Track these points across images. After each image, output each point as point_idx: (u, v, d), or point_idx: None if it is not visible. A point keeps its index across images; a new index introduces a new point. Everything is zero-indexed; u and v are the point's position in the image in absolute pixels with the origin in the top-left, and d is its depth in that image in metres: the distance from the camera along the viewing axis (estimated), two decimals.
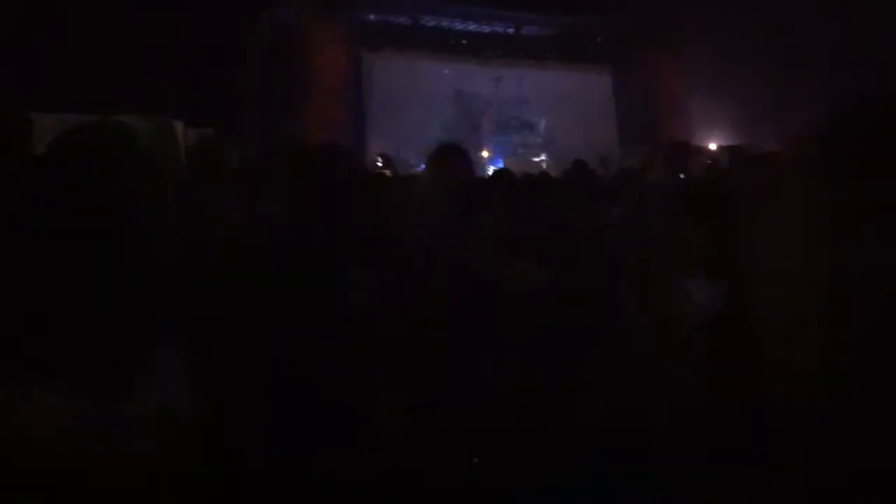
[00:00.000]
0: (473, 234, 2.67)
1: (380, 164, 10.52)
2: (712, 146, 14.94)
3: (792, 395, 0.84)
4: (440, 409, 1.52)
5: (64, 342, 1.03)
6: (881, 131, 0.89)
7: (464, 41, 17.11)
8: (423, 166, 2.89)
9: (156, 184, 1.92)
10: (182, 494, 1.09)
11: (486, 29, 17.13)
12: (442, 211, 2.43)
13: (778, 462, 0.82)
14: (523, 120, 17.63)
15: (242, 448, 1.19)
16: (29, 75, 8.34)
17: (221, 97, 10.28)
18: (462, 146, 2.85)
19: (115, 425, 1.04)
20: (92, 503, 1.01)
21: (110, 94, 7.03)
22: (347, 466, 1.36)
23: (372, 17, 15.88)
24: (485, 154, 16.96)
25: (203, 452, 1.13)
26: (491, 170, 12.18)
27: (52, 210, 1.19)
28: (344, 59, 14.88)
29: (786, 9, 13.03)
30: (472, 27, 17.00)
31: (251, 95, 11.06)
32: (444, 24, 16.73)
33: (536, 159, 17.14)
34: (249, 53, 11.82)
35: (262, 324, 1.43)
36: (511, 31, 17.29)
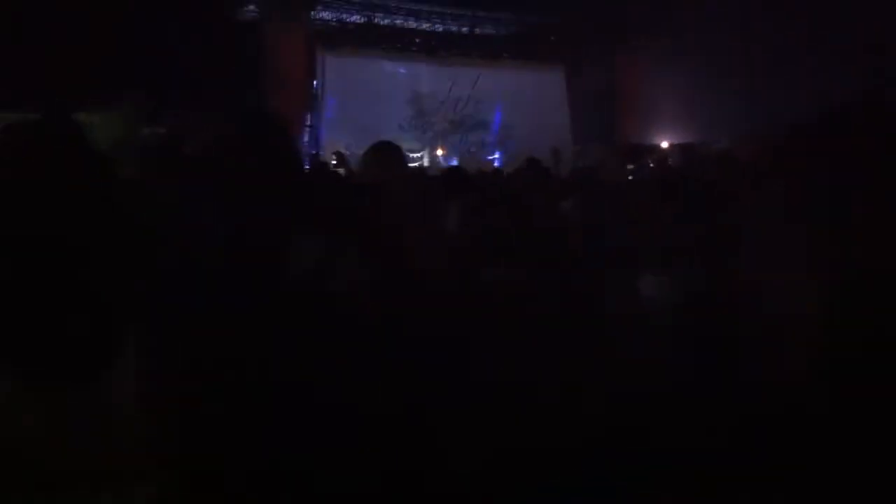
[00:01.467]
0: (421, 232, 2.70)
1: (334, 163, 10.48)
2: (664, 144, 15.17)
3: (761, 385, 0.87)
4: (409, 409, 1.54)
5: (26, 337, 1.03)
6: (866, 131, 0.93)
7: (418, 40, 17.12)
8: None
9: (104, 180, 1.90)
10: (150, 485, 1.09)
11: (441, 28, 17.16)
12: (378, 207, 2.45)
13: (763, 457, 0.84)
14: (478, 118, 17.69)
15: (214, 440, 1.20)
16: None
17: (178, 94, 10.15)
18: (395, 145, 2.91)
19: (80, 417, 1.04)
20: (61, 493, 1.01)
21: (66, 91, 6.91)
22: (331, 464, 1.37)
23: (328, 16, 15.80)
24: (439, 152, 16.99)
25: (169, 444, 1.13)
26: (444, 167, 12.22)
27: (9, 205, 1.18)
28: (301, 58, 14.80)
29: (741, 8, 13.23)
30: (426, 26, 17.02)
31: (208, 93, 10.95)
32: (399, 23, 16.72)
33: (490, 157, 17.22)
34: (207, 51, 11.69)
35: (217, 314, 1.43)
36: (465, 30, 17.34)
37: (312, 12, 15.24)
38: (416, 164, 15.44)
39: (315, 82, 15.63)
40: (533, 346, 1.92)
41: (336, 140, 14.30)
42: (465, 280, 2.39)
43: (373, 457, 1.38)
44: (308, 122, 14.80)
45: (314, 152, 14.43)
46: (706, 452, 0.86)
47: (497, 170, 10.65)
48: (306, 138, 14.53)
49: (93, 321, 1.16)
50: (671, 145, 14.65)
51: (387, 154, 2.85)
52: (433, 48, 17.28)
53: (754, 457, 0.84)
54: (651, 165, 8.10)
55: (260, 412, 1.28)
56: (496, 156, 17.34)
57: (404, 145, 13.94)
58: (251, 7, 14.09)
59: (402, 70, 17.08)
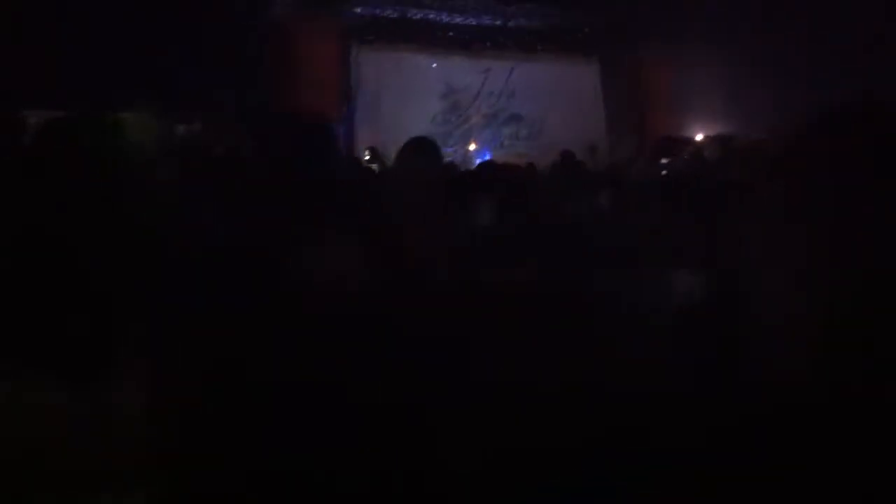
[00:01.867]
0: (453, 228, 2.69)
1: (367, 158, 10.54)
2: (699, 136, 15.00)
3: (777, 388, 0.85)
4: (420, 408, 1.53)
5: (45, 334, 1.03)
6: (871, 130, 0.90)
7: (451, 34, 17.10)
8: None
9: (137, 178, 1.92)
10: (155, 487, 1.10)
11: (474, 21, 17.11)
12: (414, 204, 2.44)
13: (770, 460, 0.83)
14: (511, 112, 17.63)
15: (221, 442, 1.20)
16: (15, 73, 8.28)
17: (209, 92, 10.25)
18: (431, 141, 2.88)
19: (92, 417, 1.05)
20: (69, 493, 1.01)
21: (94, 91, 7.00)
22: (337, 464, 1.36)
23: (360, 10, 15.84)
24: (472, 147, 16.96)
25: (172, 445, 1.14)
26: (477, 162, 12.21)
27: (37, 203, 1.19)
28: (333, 53, 14.86)
29: (774, 2, 13.07)
30: (459, 20, 16.98)
31: (240, 89, 11.03)
32: (432, 17, 16.70)
33: (524, 151, 17.15)
34: (239, 48, 11.78)
35: (238, 315, 1.43)
36: (499, 23, 17.28)
37: (345, 6, 15.29)
38: (449, 159, 15.43)
39: (348, 77, 15.67)
40: (558, 343, 1.91)
41: (369, 135, 14.35)
42: (491, 278, 2.38)
43: (378, 457, 1.37)
44: (341, 117, 14.85)
45: (347, 147, 14.48)
46: (709, 454, 0.85)
47: (531, 163, 10.62)
48: (340, 133, 14.58)
49: (114, 321, 1.16)
50: (706, 137, 14.48)
51: (423, 150, 2.84)
52: (466, 42, 17.23)
53: (756, 458, 0.83)
54: (686, 158, 8.01)
55: (271, 413, 1.29)
56: (530, 149, 17.26)
57: (437, 140, 13.98)
58: (284, 1, 14.15)
59: (435, 64, 17.06)
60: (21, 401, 1.03)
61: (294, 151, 1.79)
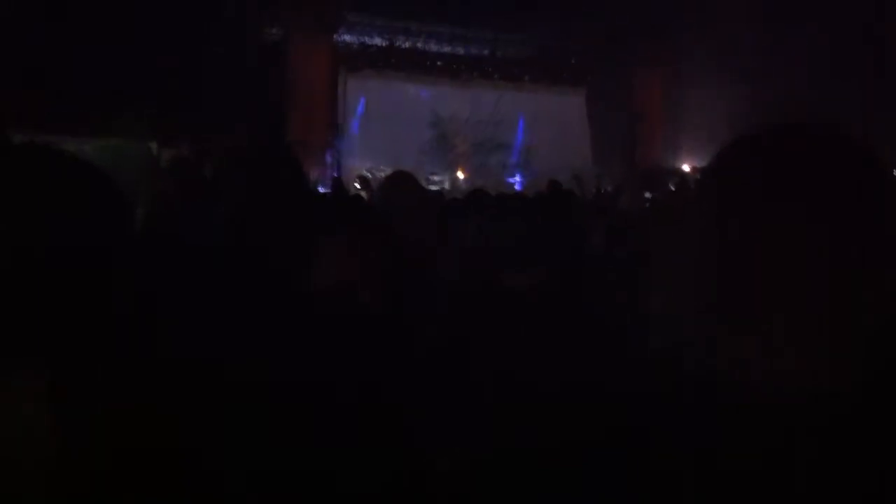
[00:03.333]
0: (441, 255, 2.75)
1: (357, 186, 10.61)
2: (686, 167, 15.15)
3: (765, 398, 0.88)
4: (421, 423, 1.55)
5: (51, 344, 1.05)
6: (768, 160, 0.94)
7: (440, 63, 17.26)
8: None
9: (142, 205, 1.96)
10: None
11: (462, 51, 17.29)
12: (398, 231, 2.51)
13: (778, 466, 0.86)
14: (499, 141, 17.76)
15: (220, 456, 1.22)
16: (11, 100, 8.29)
17: (201, 117, 10.30)
18: (410, 173, 3.05)
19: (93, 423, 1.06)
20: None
21: (88, 118, 7.04)
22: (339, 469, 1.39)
23: (351, 39, 15.98)
24: (460, 175, 17.05)
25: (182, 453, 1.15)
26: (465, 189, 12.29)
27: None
28: (324, 81, 14.97)
29: (759, 31, 13.26)
30: (447, 49, 17.16)
31: (232, 116, 11.08)
32: (420, 46, 16.87)
33: (511, 179, 17.27)
34: (231, 74, 11.85)
35: (232, 331, 1.46)
36: (486, 53, 17.47)
37: (335, 35, 15.41)
38: (437, 187, 15.52)
39: (337, 105, 15.78)
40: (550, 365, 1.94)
41: (358, 162, 14.44)
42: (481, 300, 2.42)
43: (384, 460, 1.40)
44: (331, 145, 14.93)
45: (336, 175, 14.56)
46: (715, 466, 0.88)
47: (518, 192, 10.70)
48: (329, 160, 14.65)
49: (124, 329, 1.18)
50: (693, 168, 14.63)
51: (402, 183, 2.95)
52: (455, 71, 17.40)
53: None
54: (672, 189, 8.11)
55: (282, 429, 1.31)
56: (517, 177, 17.38)
57: (426, 168, 14.08)
58: (275, 30, 14.27)
59: (423, 92, 17.20)
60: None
61: (252, 181, 1.83)
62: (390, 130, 15.80)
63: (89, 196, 1.25)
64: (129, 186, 2.29)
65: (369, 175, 10.75)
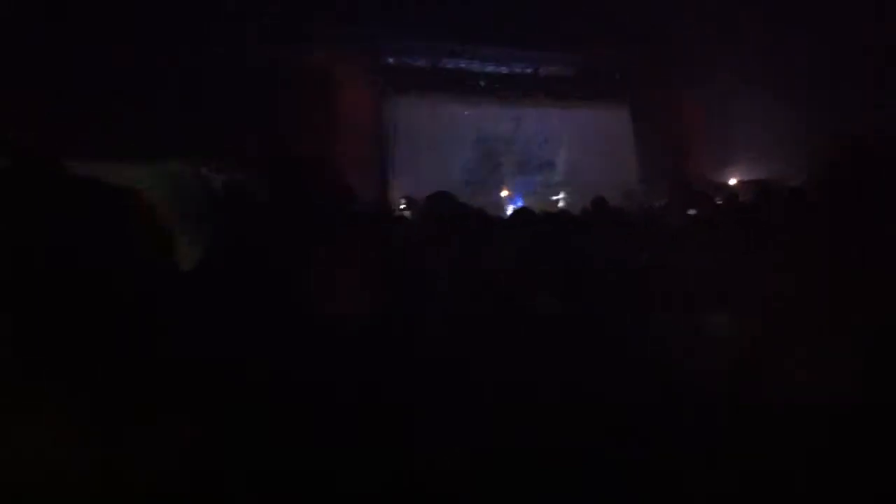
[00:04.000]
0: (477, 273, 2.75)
1: (402, 207, 10.67)
2: (732, 181, 14.95)
3: (809, 427, 0.87)
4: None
5: (80, 367, 1.07)
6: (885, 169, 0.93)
7: (482, 83, 17.30)
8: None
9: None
10: None
11: (505, 70, 17.33)
12: (437, 250, 2.52)
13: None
14: (543, 159, 17.73)
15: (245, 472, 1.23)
16: (52, 122, 8.48)
17: (247, 141, 10.44)
18: (451, 193, 3.09)
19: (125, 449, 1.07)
20: None
21: (132, 140, 7.18)
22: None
23: (394, 60, 16.11)
24: (504, 193, 17.05)
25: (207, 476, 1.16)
26: (510, 209, 12.28)
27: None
28: (369, 103, 15.12)
29: (806, 42, 13.08)
30: (490, 69, 17.20)
31: (277, 139, 11.23)
32: (464, 65, 16.94)
33: (555, 198, 17.21)
34: (277, 98, 12.02)
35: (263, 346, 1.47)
36: (530, 71, 17.47)
37: (379, 57, 15.56)
38: (481, 205, 15.50)
39: (382, 126, 15.90)
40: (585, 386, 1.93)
41: (403, 183, 14.51)
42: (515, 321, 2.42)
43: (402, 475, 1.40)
44: (376, 166, 15.03)
45: (382, 195, 14.64)
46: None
47: (563, 210, 10.65)
48: (375, 182, 14.76)
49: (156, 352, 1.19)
50: (741, 182, 14.43)
51: (443, 203, 2.98)
52: (498, 90, 17.43)
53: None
54: (719, 203, 7.99)
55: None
56: (562, 195, 17.32)
57: (470, 187, 14.12)
58: (320, 52, 14.45)
59: (467, 112, 17.24)
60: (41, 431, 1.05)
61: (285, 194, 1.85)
62: (435, 150, 15.88)
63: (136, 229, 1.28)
64: (191, 217, 2.33)
65: (414, 196, 10.79)
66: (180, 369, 1.20)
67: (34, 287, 1.09)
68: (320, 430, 1.35)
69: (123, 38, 10.47)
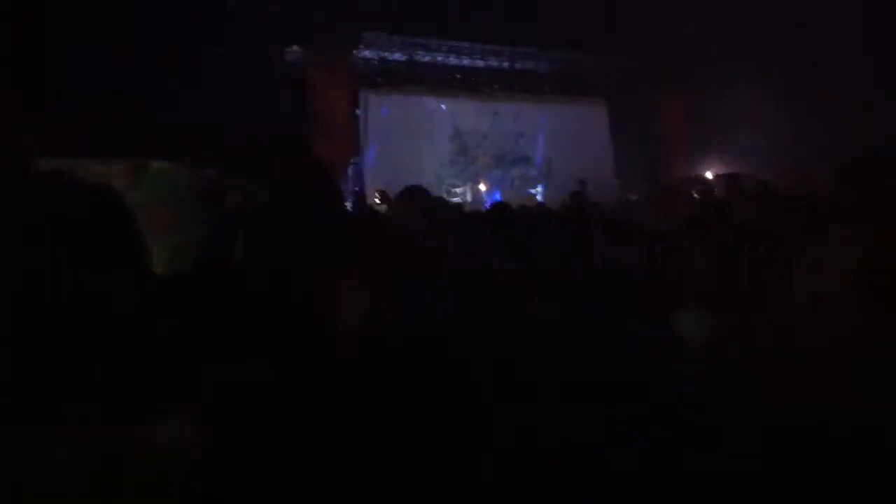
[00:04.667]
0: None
1: (378, 201, 10.65)
2: (708, 175, 15.06)
3: (797, 420, 0.87)
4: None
5: (83, 371, 1.06)
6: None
7: (459, 77, 17.29)
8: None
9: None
10: None
11: (482, 64, 17.32)
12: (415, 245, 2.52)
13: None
14: (520, 153, 17.76)
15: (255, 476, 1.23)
16: (37, 121, 8.39)
17: (223, 137, 10.38)
18: (423, 188, 3.07)
19: (128, 455, 1.07)
20: None
21: (112, 139, 7.12)
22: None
23: (370, 55, 16.06)
24: (482, 187, 17.06)
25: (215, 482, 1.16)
26: (488, 203, 12.30)
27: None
28: (344, 97, 15.07)
29: (787, 43, 13.19)
30: (467, 63, 17.19)
31: (254, 135, 11.17)
32: (440, 59, 16.91)
33: (533, 191, 17.27)
34: (252, 94, 11.96)
35: (268, 352, 1.47)
36: (506, 65, 17.48)
37: (355, 51, 15.51)
38: (458, 200, 15.55)
39: (357, 120, 15.86)
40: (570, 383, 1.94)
41: (379, 177, 14.48)
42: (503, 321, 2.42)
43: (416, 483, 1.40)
44: (351, 161, 15.00)
45: (358, 190, 14.61)
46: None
47: (541, 204, 10.69)
48: (350, 176, 14.73)
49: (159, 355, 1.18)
50: (716, 176, 14.54)
51: (415, 199, 2.96)
52: (474, 84, 17.42)
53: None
54: (696, 196, 8.05)
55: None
56: (539, 189, 17.38)
57: (447, 181, 14.13)
58: (294, 48, 14.38)
59: (443, 106, 17.22)
60: (46, 438, 1.04)
61: (298, 199, 1.84)
62: (411, 144, 15.87)
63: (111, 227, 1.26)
64: (178, 212, 2.31)
65: (388, 190, 10.77)
66: (169, 371, 1.19)
67: (14, 290, 1.08)
68: (313, 430, 1.35)
69: (109, 37, 10.39)
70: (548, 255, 3.33)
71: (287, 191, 1.91)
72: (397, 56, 16.45)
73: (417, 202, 2.94)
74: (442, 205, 4.74)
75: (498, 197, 15.47)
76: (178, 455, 1.10)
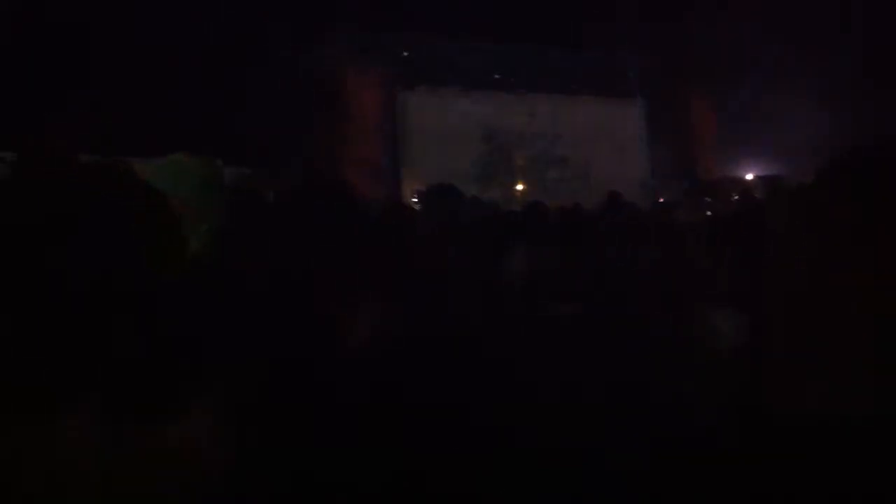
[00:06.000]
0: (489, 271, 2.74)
1: (415, 201, 10.67)
2: (748, 176, 14.88)
3: (819, 423, 0.86)
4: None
5: (94, 368, 1.06)
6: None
7: (496, 76, 17.26)
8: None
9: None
10: None
11: (517, 64, 17.26)
12: (439, 247, 2.51)
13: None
14: (556, 154, 17.68)
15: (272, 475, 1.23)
16: (77, 119, 8.52)
17: (260, 137, 10.48)
18: (452, 186, 3.03)
19: (141, 454, 1.07)
20: None
21: (148, 135, 7.21)
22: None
23: (406, 55, 16.09)
24: (519, 187, 17.02)
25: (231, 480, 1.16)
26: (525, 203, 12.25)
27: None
28: (379, 99, 15.12)
29: (823, 39, 12.98)
30: (503, 63, 17.15)
31: (290, 135, 11.25)
32: (475, 60, 16.89)
33: (569, 192, 17.17)
34: (289, 94, 12.04)
35: (292, 357, 1.47)
36: (542, 65, 17.41)
37: (389, 52, 15.55)
38: (493, 201, 15.52)
39: (393, 121, 15.90)
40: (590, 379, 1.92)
41: (416, 177, 14.50)
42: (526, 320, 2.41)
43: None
44: (388, 162, 15.05)
45: (394, 190, 14.65)
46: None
47: (577, 204, 10.62)
48: (386, 177, 14.77)
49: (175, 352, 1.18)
50: (756, 177, 14.37)
51: (445, 198, 2.94)
52: (510, 84, 17.38)
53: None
54: (735, 198, 7.96)
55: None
56: (576, 190, 17.27)
57: (481, 182, 14.08)
58: (329, 50, 14.46)
59: (479, 107, 17.20)
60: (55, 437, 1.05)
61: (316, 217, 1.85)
62: (446, 145, 15.86)
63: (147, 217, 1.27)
64: (191, 201, 2.33)
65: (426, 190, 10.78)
66: (188, 369, 1.19)
67: (41, 284, 1.09)
68: (325, 430, 1.35)
69: (132, 35, 10.54)
70: (580, 255, 3.31)
71: (305, 206, 1.92)
72: (434, 56, 16.46)
73: (447, 201, 2.93)
74: (475, 204, 4.73)
75: (533, 198, 15.43)
76: (188, 454, 1.11)
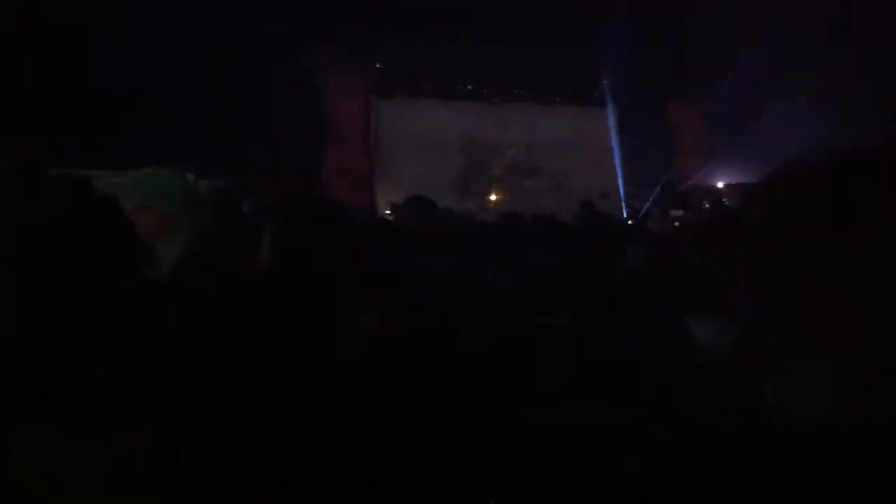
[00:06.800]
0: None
1: (388, 213, 10.65)
2: (719, 184, 15.01)
3: (801, 430, 0.87)
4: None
5: (76, 378, 1.07)
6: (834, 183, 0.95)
7: (471, 86, 17.28)
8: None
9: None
10: None
11: (494, 74, 17.29)
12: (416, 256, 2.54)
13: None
14: (532, 164, 17.73)
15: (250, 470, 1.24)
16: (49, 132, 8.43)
17: (237, 147, 10.44)
18: (426, 197, 3.06)
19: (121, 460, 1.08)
20: None
21: (123, 148, 7.17)
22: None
23: (382, 63, 16.08)
24: (493, 197, 17.05)
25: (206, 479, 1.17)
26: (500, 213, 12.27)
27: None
28: (357, 108, 15.10)
29: (802, 47, 13.09)
30: (479, 72, 17.17)
31: (267, 145, 11.21)
32: (452, 70, 16.91)
33: (544, 202, 17.21)
34: (265, 104, 12.00)
35: (270, 367, 1.48)
36: (519, 75, 17.45)
37: (367, 60, 15.53)
38: (469, 209, 15.53)
39: (370, 131, 15.89)
40: (580, 390, 1.94)
41: (392, 187, 14.49)
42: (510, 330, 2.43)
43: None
44: (365, 171, 15.02)
45: (369, 201, 14.62)
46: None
47: (552, 214, 10.66)
48: (364, 186, 14.74)
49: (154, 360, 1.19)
50: (727, 185, 14.48)
51: (419, 209, 2.97)
52: (486, 94, 17.42)
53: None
54: (706, 207, 8.05)
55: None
56: (551, 200, 17.31)
57: (457, 192, 14.05)
58: (309, 58, 14.42)
59: (454, 116, 17.20)
60: (42, 447, 1.05)
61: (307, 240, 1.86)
62: (423, 155, 15.85)
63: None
64: (164, 211, 2.34)
65: (399, 201, 10.75)
66: (162, 371, 1.20)
67: (19, 287, 1.10)
68: (314, 429, 1.36)
69: (114, 44, 10.48)
70: (556, 264, 3.33)
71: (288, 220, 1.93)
72: (409, 65, 16.46)
73: (422, 212, 2.95)
74: (450, 215, 4.76)
75: (509, 208, 15.45)
76: (181, 457, 1.12)
